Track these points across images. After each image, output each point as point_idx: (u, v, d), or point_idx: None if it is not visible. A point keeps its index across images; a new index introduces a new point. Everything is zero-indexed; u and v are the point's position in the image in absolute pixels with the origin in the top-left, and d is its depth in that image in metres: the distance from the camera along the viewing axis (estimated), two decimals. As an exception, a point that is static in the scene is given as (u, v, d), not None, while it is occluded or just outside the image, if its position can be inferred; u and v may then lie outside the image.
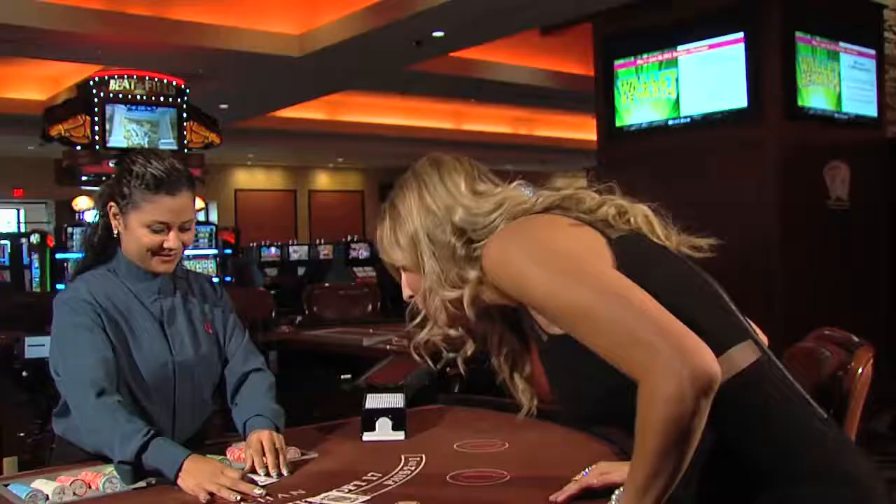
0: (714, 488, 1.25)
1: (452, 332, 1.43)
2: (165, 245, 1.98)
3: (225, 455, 1.89)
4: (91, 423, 1.83)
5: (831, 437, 1.29)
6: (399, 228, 1.44)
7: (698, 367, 1.11)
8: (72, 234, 8.19)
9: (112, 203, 2.00)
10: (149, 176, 1.94)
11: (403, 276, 1.47)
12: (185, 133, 9.32)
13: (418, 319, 1.45)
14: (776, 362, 1.32)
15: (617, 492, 1.39)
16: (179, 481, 1.68)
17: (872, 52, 6.61)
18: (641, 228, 1.36)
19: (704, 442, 1.16)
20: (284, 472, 1.76)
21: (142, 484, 1.72)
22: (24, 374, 4.25)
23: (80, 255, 2.14)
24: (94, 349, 1.89)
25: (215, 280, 2.28)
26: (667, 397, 1.10)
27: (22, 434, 4.34)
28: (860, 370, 1.56)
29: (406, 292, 1.47)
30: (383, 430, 2.03)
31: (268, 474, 1.76)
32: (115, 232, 2.02)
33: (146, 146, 8.64)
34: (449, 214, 1.40)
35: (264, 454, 1.79)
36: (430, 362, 1.48)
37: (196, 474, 1.66)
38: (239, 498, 1.60)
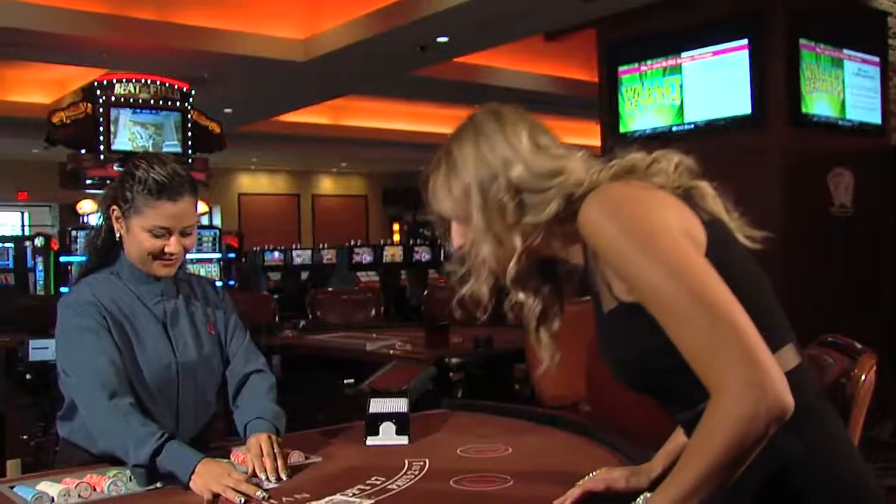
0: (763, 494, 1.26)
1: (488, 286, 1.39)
2: (166, 250, 1.99)
3: (229, 459, 1.90)
4: (103, 426, 1.83)
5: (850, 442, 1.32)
6: (454, 178, 1.39)
7: (776, 397, 1.11)
8: (76, 237, 8.18)
9: (115, 206, 2.01)
10: (151, 181, 1.95)
11: (453, 225, 1.43)
12: (189, 136, 9.32)
13: (461, 273, 1.41)
14: (808, 365, 1.33)
15: (641, 498, 1.36)
16: (191, 483, 1.69)
17: (876, 59, 6.61)
18: (710, 205, 1.35)
19: (784, 456, 1.20)
20: (283, 476, 1.76)
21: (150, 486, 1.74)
22: (28, 376, 4.27)
23: (83, 258, 2.15)
24: (102, 351, 1.90)
25: (218, 284, 2.28)
26: (739, 415, 1.10)
27: (25, 437, 4.35)
28: (863, 377, 1.55)
29: (456, 242, 1.43)
30: (387, 435, 2.04)
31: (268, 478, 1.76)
32: (118, 235, 2.03)
33: (150, 149, 8.64)
34: (506, 169, 1.35)
35: (264, 457, 1.79)
36: (477, 315, 1.42)
37: (205, 476, 1.69)
38: (243, 500, 1.61)
